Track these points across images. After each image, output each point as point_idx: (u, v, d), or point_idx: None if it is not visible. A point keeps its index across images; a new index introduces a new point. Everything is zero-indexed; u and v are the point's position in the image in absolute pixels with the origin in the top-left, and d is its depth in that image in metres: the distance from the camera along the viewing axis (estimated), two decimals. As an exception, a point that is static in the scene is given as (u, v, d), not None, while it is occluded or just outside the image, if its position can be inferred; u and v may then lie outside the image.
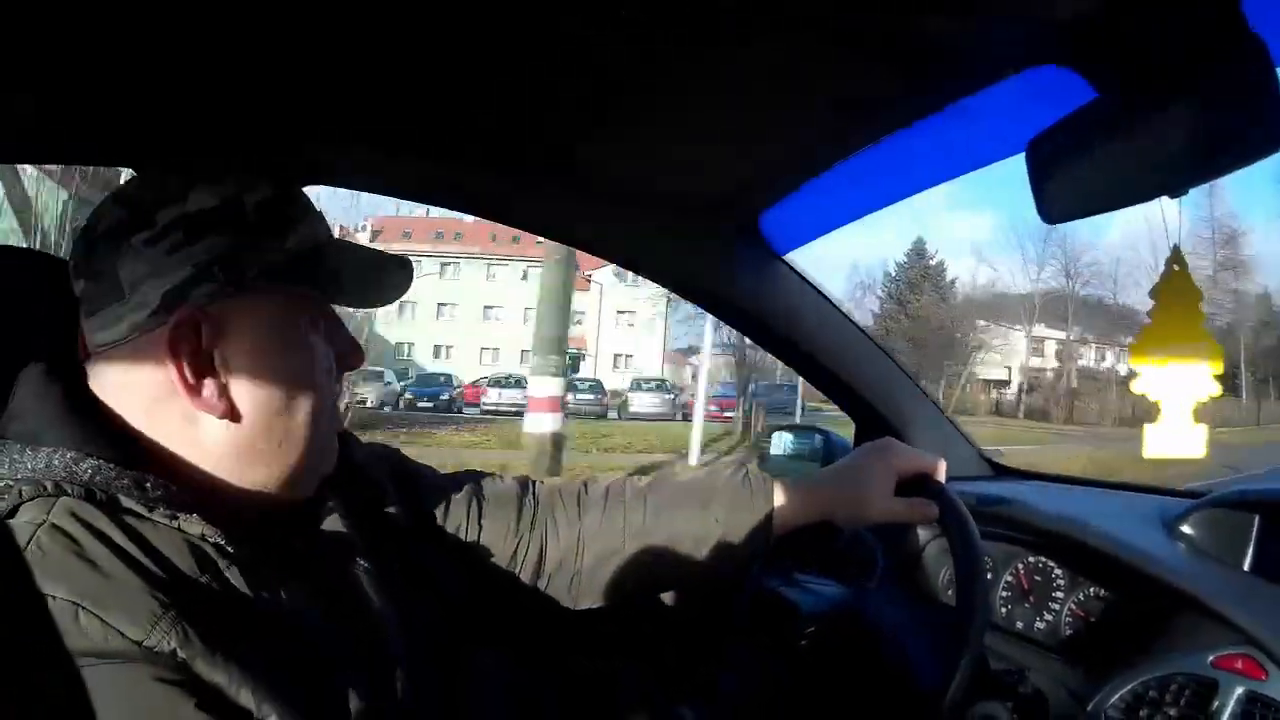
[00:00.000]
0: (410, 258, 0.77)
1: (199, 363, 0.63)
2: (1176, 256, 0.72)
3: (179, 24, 0.72)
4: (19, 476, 0.57)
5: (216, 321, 0.64)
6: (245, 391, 0.65)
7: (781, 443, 1.54)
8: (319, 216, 0.71)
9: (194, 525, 0.59)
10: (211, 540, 0.59)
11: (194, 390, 0.63)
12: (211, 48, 0.76)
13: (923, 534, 1.26)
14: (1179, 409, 0.73)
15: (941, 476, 0.95)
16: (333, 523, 0.73)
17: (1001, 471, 1.43)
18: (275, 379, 0.66)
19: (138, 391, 0.64)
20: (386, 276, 0.74)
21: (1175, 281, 0.73)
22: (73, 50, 0.75)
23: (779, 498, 0.95)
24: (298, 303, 0.69)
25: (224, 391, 0.64)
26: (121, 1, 0.67)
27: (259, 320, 0.66)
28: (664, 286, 1.35)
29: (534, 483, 1.00)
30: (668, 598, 1.31)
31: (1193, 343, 0.72)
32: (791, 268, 1.34)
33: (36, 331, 0.66)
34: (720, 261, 1.32)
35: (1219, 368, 0.71)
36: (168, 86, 0.83)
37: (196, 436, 0.65)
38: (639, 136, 1.03)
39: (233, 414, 0.65)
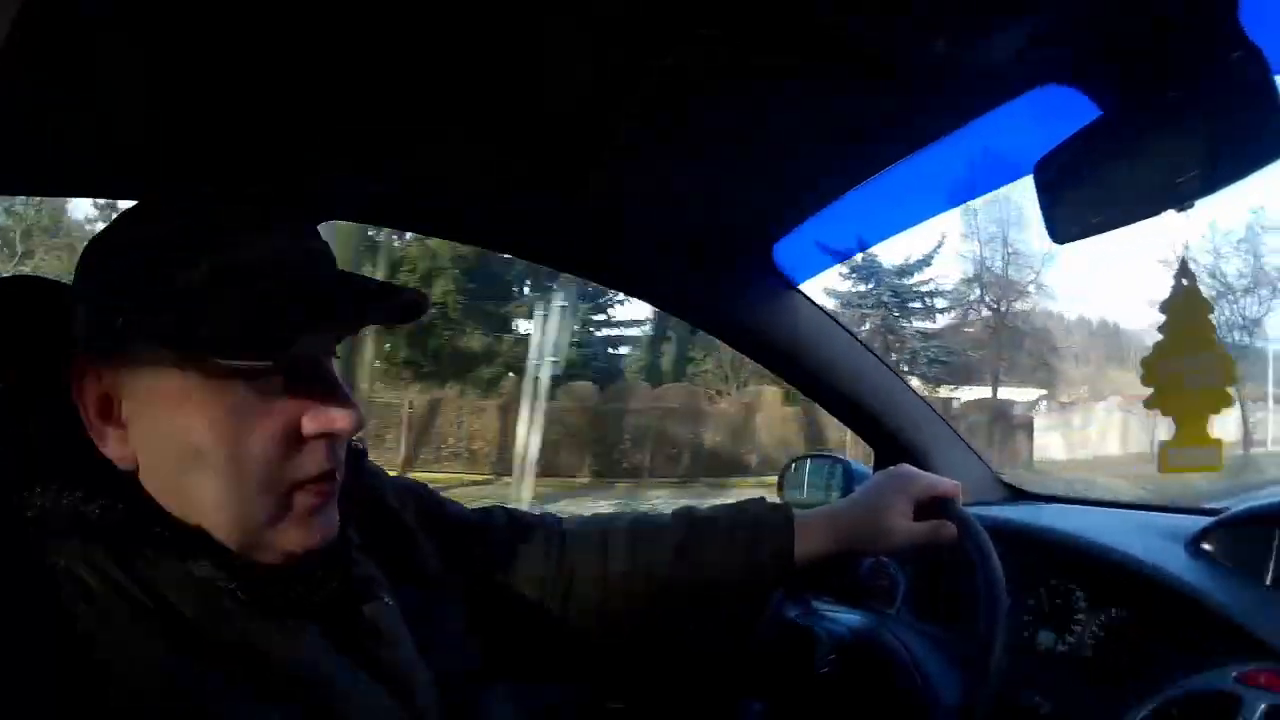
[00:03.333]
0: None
1: (103, 409, 0.60)
2: (1184, 270, 0.73)
3: (186, 67, 0.74)
4: (29, 515, 0.55)
5: (117, 369, 0.59)
6: (146, 445, 0.59)
7: (799, 471, 1.54)
8: (240, 244, 0.60)
9: (204, 569, 0.57)
10: (222, 585, 0.57)
11: (100, 436, 0.60)
12: (209, 81, 0.78)
13: (943, 559, 1.25)
14: (1195, 424, 0.73)
15: (958, 499, 0.96)
16: (355, 559, 0.70)
17: (1019, 495, 1.42)
18: (174, 436, 0.58)
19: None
20: (321, 312, 0.60)
21: (1184, 295, 0.73)
22: (82, 86, 0.76)
23: (800, 529, 0.95)
24: (196, 352, 0.57)
25: (125, 442, 0.60)
26: (137, 45, 0.70)
27: (155, 370, 0.58)
28: (678, 317, 1.36)
29: (559, 519, 1.00)
30: (688, 630, 1.30)
31: (1206, 355, 0.72)
32: (807, 297, 1.35)
33: (55, 367, 0.64)
34: (735, 292, 1.33)
35: (1233, 380, 0.71)
36: (185, 120, 0.85)
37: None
38: (650, 168, 1.05)
39: (135, 467, 0.60)
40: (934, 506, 0.95)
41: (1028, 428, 19.00)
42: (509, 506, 1.00)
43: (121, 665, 0.51)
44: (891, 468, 1.02)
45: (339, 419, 0.61)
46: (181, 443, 0.58)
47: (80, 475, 0.58)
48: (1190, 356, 0.73)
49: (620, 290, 1.34)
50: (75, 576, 0.53)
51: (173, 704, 0.52)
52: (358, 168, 1.03)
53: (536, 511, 1.01)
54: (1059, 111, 0.76)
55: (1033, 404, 20.71)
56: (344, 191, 1.06)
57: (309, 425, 0.60)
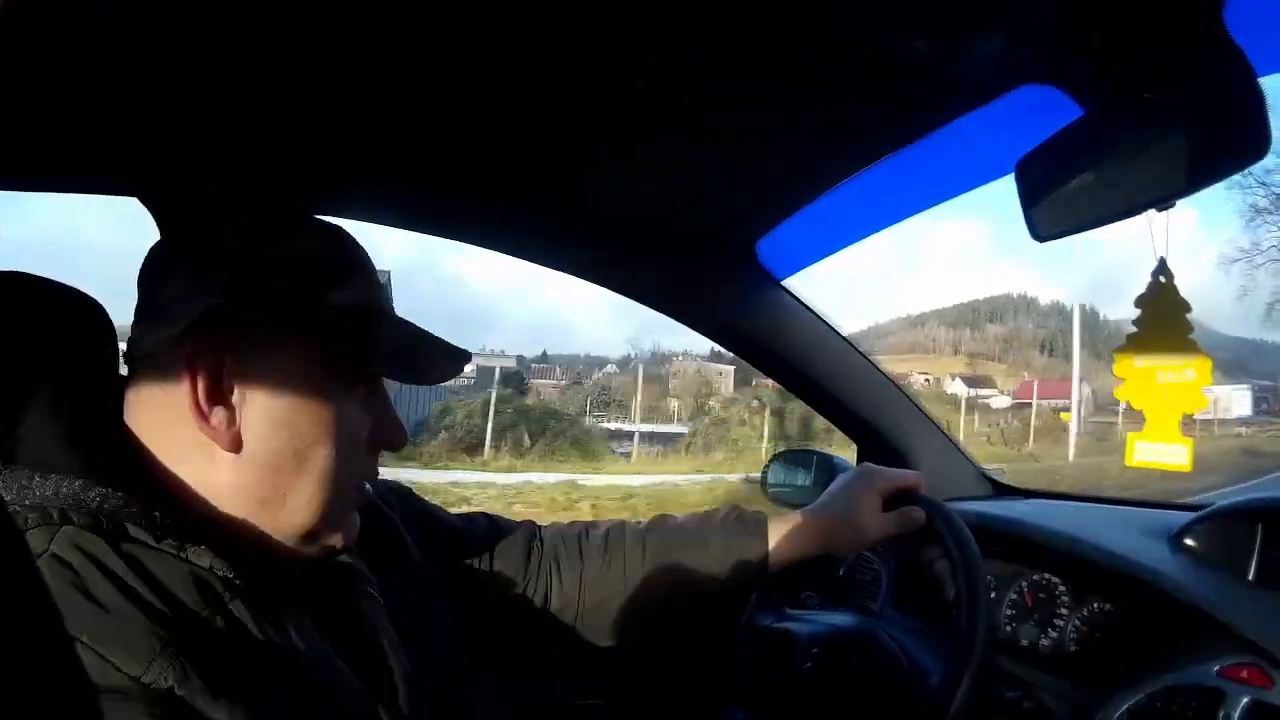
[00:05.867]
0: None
1: (214, 388, 0.61)
2: (1163, 268, 0.73)
3: (195, 61, 0.74)
4: (26, 503, 0.56)
5: (241, 352, 0.62)
6: (255, 429, 0.63)
7: (783, 466, 1.53)
8: (374, 280, 0.69)
9: (202, 557, 0.58)
10: (219, 573, 0.58)
11: (203, 414, 0.61)
12: (209, 80, 0.78)
13: (924, 555, 1.26)
14: (1166, 420, 0.74)
15: (922, 489, 0.99)
16: (343, 556, 0.71)
17: (1002, 490, 1.43)
18: (288, 426, 0.64)
19: (158, 410, 0.63)
20: (431, 360, 0.72)
21: (1162, 293, 0.73)
22: (84, 82, 0.76)
23: (774, 535, 0.97)
24: (331, 360, 0.65)
25: (232, 423, 0.62)
26: (137, 38, 0.69)
27: (285, 364, 0.63)
28: (663, 313, 1.36)
29: (540, 528, 1.02)
30: (670, 637, 1.31)
31: (1180, 354, 0.72)
32: (790, 293, 1.35)
33: (49, 360, 0.64)
34: (719, 288, 1.33)
35: (1208, 381, 0.71)
36: (182, 119, 0.85)
37: (207, 468, 0.62)
38: (635, 165, 1.05)
39: (237, 447, 0.62)
40: (901, 498, 0.98)
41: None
42: (490, 513, 1.01)
43: (112, 649, 0.51)
44: (854, 469, 1.04)
45: (400, 433, 0.73)
46: (301, 432, 0.64)
47: (81, 465, 0.58)
48: (1165, 353, 0.74)
49: (608, 287, 1.33)
50: (66, 563, 0.53)
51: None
52: (357, 168, 1.02)
53: (520, 521, 1.02)
54: (1041, 110, 0.76)
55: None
56: (344, 191, 1.05)
57: (380, 436, 0.71)
